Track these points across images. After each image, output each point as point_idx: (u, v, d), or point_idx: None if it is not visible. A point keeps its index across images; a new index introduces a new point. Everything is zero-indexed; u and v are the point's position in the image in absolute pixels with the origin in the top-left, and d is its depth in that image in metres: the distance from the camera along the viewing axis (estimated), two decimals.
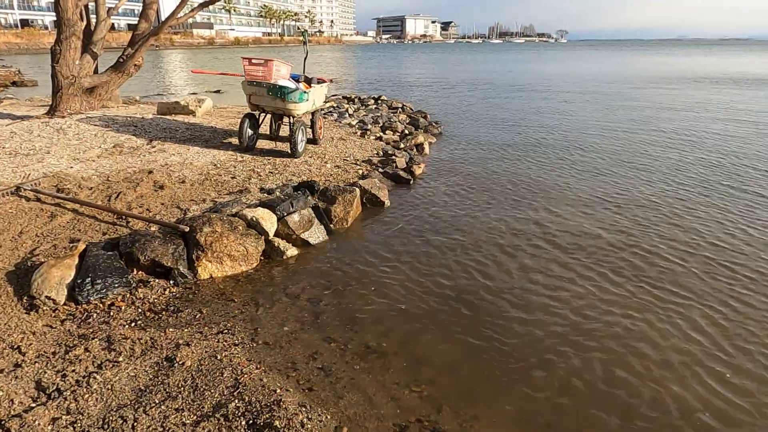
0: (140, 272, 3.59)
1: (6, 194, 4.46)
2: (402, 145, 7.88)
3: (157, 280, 3.56)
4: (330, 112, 10.81)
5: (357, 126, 9.09)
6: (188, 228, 3.83)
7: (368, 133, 8.57)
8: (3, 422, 2.23)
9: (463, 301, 3.51)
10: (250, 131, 6.50)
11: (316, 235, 4.37)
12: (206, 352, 2.80)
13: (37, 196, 4.47)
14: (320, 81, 7.16)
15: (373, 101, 12.96)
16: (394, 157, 6.91)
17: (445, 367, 2.81)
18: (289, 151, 6.36)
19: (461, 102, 14.56)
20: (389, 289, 3.64)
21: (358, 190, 5.05)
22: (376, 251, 4.25)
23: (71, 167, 5.29)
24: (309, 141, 7.18)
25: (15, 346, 2.79)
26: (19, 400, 2.38)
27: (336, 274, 3.83)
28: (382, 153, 7.34)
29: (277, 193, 4.79)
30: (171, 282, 3.59)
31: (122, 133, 6.78)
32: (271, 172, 5.67)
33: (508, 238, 4.55)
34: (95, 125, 6.96)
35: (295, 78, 7.03)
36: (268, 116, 6.97)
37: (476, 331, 3.14)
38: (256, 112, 6.53)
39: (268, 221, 4.15)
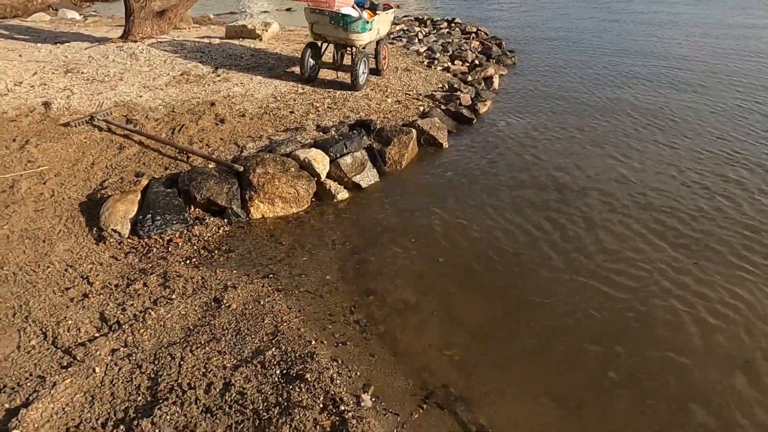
0: (197, 209, 3.75)
1: (81, 123, 4.71)
2: (470, 78, 7.45)
3: (212, 218, 3.71)
4: (399, 36, 10.33)
5: (425, 54, 8.65)
6: (242, 168, 3.90)
7: (436, 62, 8.15)
8: (70, 349, 2.49)
9: (510, 260, 3.40)
10: (311, 61, 6.36)
11: (367, 178, 4.33)
12: (251, 296, 2.94)
13: (109, 126, 4.70)
14: (386, 7, 6.77)
15: (446, 24, 12.20)
16: (458, 93, 6.57)
17: (481, 331, 2.79)
18: (350, 84, 6.19)
19: (543, 27, 13.31)
20: (436, 242, 3.59)
21: (414, 131, 4.88)
22: (426, 199, 4.16)
23: (140, 96, 5.48)
24: (372, 72, 6.94)
25: (85, 276, 3.05)
26: (85, 329, 2.64)
27: (383, 222, 3.81)
28: (447, 87, 6.99)
29: (332, 132, 4.73)
30: (225, 220, 3.73)
31: (190, 59, 6.87)
32: (330, 107, 5.59)
33: (573, 197, 4.27)
34: (165, 51, 7.09)
35: (360, 4, 6.68)
36: (332, 45, 6.75)
37: (518, 296, 3.06)
38: (319, 42, 6.34)
39: (321, 163, 4.14)
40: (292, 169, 3.99)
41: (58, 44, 7.55)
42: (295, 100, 5.74)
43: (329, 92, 6.13)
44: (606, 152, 5.08)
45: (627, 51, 9.70)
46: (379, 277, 3.20)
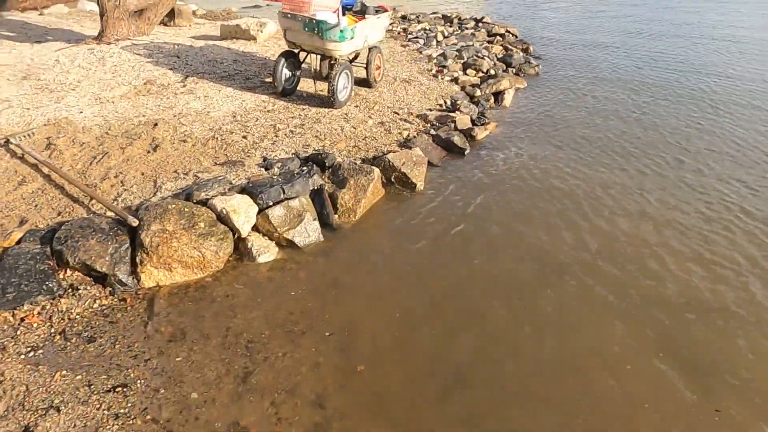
0: (75, 272, 3.01)
1: None
2: (478, 93, 6.43)
3: (90, 287, 2.96)
4: (417, 37, 9.39)
5: (436, 60, 7.67)
6: (137, 222, 3.13)
7: (445, 71, 7.17)
8: None
9: (452, 382, 2.48)
10: (287, 73, 5.53)
11: (305, 234, 3.47)
12: (73, 426, 2.16)
13: (23, 152, 4.04)
14: (379, 10, 5.86)
15: (473, 23, 11.10)
16: (457, 112, 5.59)
17: None
18: (328, 100, 5.33)
19: (583, 31, 11.84)
20: (361, 341, 2.71)
21: (377, 171, 3.98)
22: (368, 273, 3.25)
23: (81, 112, 4.81)
24: (363, 83, 6.06)
25: None
26: None
27: (302, 304, 2.95)
28: (449, 103, 6.03)
29: (276, 169, 3.90)
30: (108, 289, 2.98)
31: (161, 66, 6.18)
32: (293, 131, 4.75)
33: (552, 291, 3.26)
34: (137, 55, 6.44)
35: (348, 5, 5.80)
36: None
37: None
38: (296, 50, 5.50)
39: (243, 215, 3.32)
40: (202, 224, 3.19)
41: (36, 44, 7.04)
42: (257, 120, 4.94)
43: (303, 109, 5.30)
44: (618, 218, 4.01)
45: (680, 66, 8.31)
46: (263, 398, 2.35)
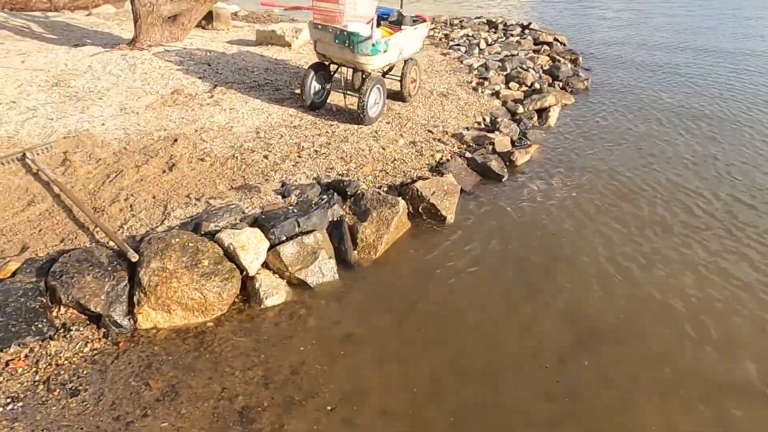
0: (69, 310, 2.80)
1: (11, 161, 3.95)
2: (520, 109, 5.98)
3: (81, 330, 2.74)
4: (458, 44, 8.97)
5: (477, 72, 7.24)
6: (137, 257, 2.89)
7: (485, 84, 6.73)
8: None
9: None
10: (316, 86, 5.25)
11: (318, 274, 3.16)
12: None
13: (37, 168, 3.90)
14: (417, 20, 5.50)
15: (519, 30, 10.56)
16: (496, 132, 5.17)
17: None
18: (358, 116, 5.02)
19: (640, 42, 11.11)
20: (372, 423, 2.37)
21: (402, 204, 3.62)
22: (388, 324, 2.91)
23: (103, 124, 4.67)
24: (396, 96, 5.73)
25: None
26: None
27: (312, 365, 2.63)
28: (488, 121, 5.61)
29: (293, 197, 3.60)
30: (103, 330, 2.76)
31: (190, 74, 6.03)
32: (318, 151, 4.46)
33: (594, 363, 2.84)
34: (168, 62, 6.31)
35: (384, 15, 5.48)
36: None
37: None
38: (326, 62, 5.21)
39: (252, 252, 3.04)
40: (206, 261, 2.92)
41: (73, 48, 7.02)
42: (281, 137, 4.67)
43: (331, 125, 5.00)
44: (663, 271, 3.52)
45: (749, 92, 7.52)
46: None
